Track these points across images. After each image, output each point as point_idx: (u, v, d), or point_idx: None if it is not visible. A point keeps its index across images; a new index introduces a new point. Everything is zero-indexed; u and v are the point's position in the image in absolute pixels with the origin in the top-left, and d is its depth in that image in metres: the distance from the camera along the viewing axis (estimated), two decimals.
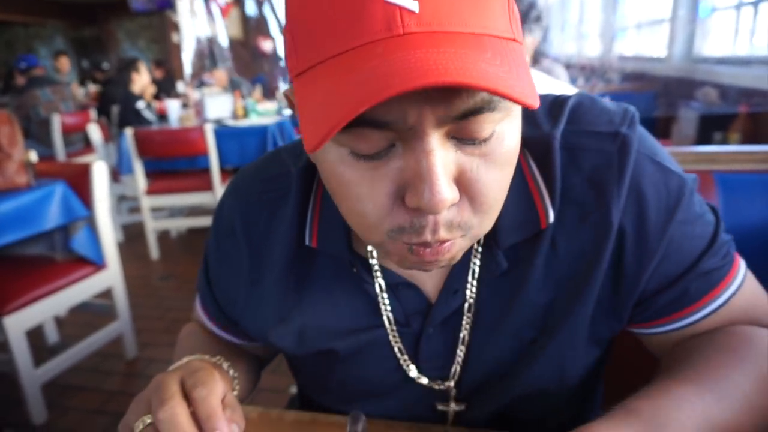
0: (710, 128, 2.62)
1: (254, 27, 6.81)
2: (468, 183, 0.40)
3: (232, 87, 5.19)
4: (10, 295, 1.82)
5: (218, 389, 0.49)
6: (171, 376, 0.50)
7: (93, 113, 4.86)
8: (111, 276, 2.18)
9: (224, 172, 3.52)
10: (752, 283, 0.58)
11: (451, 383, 0.60)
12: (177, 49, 9.03)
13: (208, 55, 6.43)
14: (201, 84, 5.61)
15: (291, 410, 0.66)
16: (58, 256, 2.08)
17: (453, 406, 0.61)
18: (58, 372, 2.03)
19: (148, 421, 0.46)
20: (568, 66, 4.59)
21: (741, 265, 0.57)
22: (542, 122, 0.55)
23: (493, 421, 0.62)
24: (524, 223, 0.53)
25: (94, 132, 3.82)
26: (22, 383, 1.87)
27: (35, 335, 2.44)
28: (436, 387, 0.61)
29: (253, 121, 3.95)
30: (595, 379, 0.65)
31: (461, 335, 0.58)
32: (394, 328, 0.59)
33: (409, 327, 0.59)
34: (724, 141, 2.58)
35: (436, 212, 0.38)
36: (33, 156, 2.02)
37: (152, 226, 3.58)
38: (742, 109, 2.53)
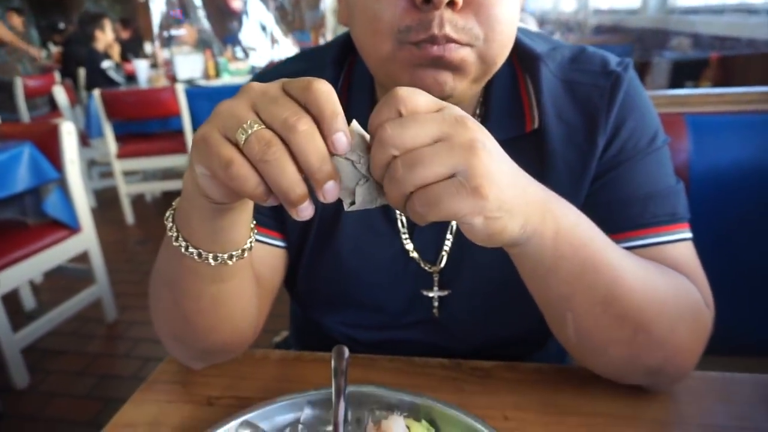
0: (682, 77, 2.67)
1: None
2: None
3: (203, 46, 5.02)
4: None
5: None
6: (269, 83, 0.38)
7: (57, 76, 4.67)
8: (86, 239, 2.15)
9: None
10: (691, 253, 0.59)
11: (437, 268, 0.65)
12: (143, 7, 8.66)
13: (178, 8, 6.17)
14: (170, 39, 5.40)
15: (276, 350, 0.67)
16: (30, 219, 2.04)
17: (437, 291, 0.65)
18: (38, 336, 2.02)
19: (257, 126, 0.35)
20: (544, 22, 4.56)
21: (685, 232, 0.58)
22: (539, 44, 0.63)
23: (474, 312, 0.67)
24: (511, 121, 0.60)
25: (60, 94, 3.69)
26: (2, 348, 1.86)
27: (12, 302, 2.41)
28: (425, 267, 0.65)
29: (226, 80, 3.86)
30: None
31: (451, 224, 0.63)
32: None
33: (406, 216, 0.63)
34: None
35: None
36: None
37: (126, 190, 3.51)
38: (713, 56, 2.56)
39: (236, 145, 0.36)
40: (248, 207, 0.47)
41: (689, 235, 0.59)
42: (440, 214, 0.36)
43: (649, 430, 0.52)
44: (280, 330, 1.06)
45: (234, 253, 0.48)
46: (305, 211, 0.36)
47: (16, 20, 6.21)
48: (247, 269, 0.55)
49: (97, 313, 2.35)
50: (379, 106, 0.37)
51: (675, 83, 2.75)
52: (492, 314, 0.66)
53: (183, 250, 0.47)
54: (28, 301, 2.48)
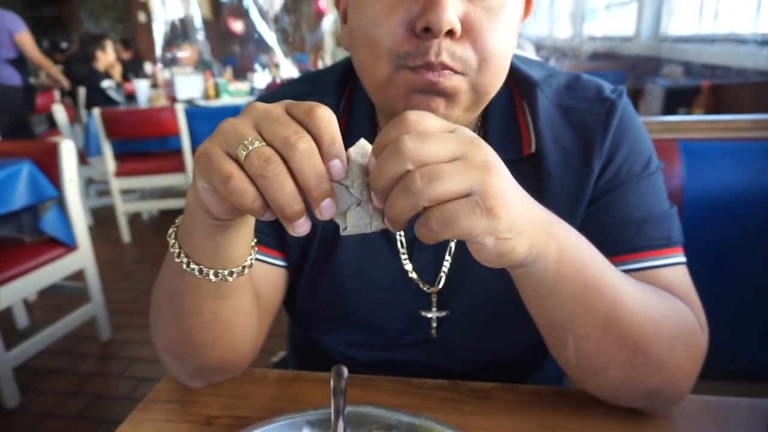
0: (675, 104, 2.72)
1: (225, 7, 6.66)
2: (470, 26, 0.49)
3: (203, 66, 5.09)
4: None
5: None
6: (273, 104, 0.40)
7: (57, 94, 4.70)
8: (82, 257, 2.14)
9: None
10: (685, 277, 0.59)
11: (435, 289, 0.65)
12: (144, 29, 8.76)
13: (179, 32, 6.29)
14: (173, 60, 5.50)
15: (275, 369, 0.67)
16: (27, 237, 2.03)
17: (435, 312, 0.66)
18: (31, 355, 2.00)
19: (257, 144, 0.37)
20: (539, 48, 4.66)
21: (679, 256, 0.59)
22: (536, 71, 0.64)
23: (473, 332, 0.67)
24: (509, 145, 0.61)
25: (59, 112, 3.70)
26: None
27: (4, 320, 2.39)
28: (423, 288, 0.65)
29: (225, 101, 3.89)
30: None
31: (449, 246, 0.64)
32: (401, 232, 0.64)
33: (406, 234, 0.65)
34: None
35: (440, 26, 0.46)
36: None
37: (123, 209, 3.51)
38: (705, 84, 2.62)
39: (237, 161, 0.37)
40: (249, 225, 0.48)
41: (683, 259, 0.60)
42: (454, 232, 0.37)
43: None
44: (277, 351, 1.06)
45: (234, 270, 0.49)
46: (301, 227, 0.37)
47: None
48: (248, 287, 0.55)
49: (91, 332, 2.34)
50: (389, 127, 0.38)
51: (668, 110, 2.81)
52: (490, 335, 0.67)
53: (184, 266, 0.48)
54: (21, 319, 2.46)
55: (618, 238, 0.58)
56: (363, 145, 0.40)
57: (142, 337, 2.38)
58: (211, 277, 0.48)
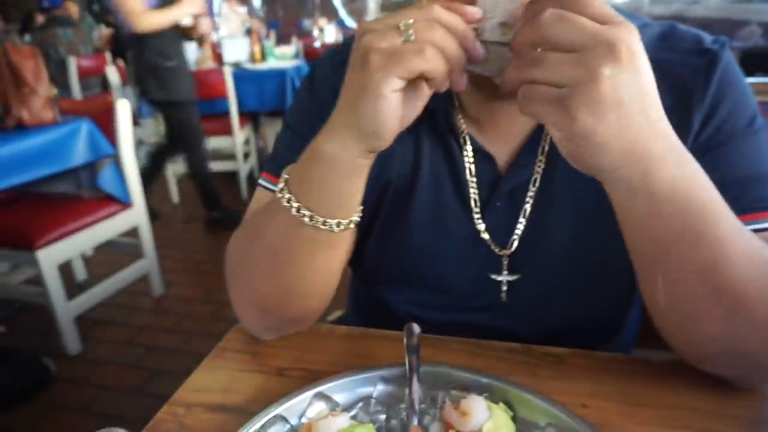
0: (752, 69, 2.55)
1: None
2: None
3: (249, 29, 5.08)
4: (41, 230, 1.86)
5: None
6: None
7: (108, 56, 4.80)
8: (137, 214, 2.21)
9: (243, 115, 3.49)
10: None
11: (507, 252, 0.63)
12: None
13: None
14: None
15: (341, 326, 0.67)
16: (85, 193, 2.11)
17: (506, 276, 0.64)
18: (90, 306, 2.09)
19: (404, 21, 0.42)
20: None
21: None
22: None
23: (546, 297, 0.65)
24: None
25: (113, 74, 3.78)
26: (57, 315, 1.94)
27: (64, 273, 2.51)
28: (494, 250, 0.63)
29: (271, 64, 3.89)
30: None
31: (524, 208, 0.62)
32: (474, 185, 0.63)
33: (480, 195, 0.63)
34: None
35: None
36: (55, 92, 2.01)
37: (172, 170, 3.59)
38: None
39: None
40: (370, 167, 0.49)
41: None
42: (527, 111, 0.41)
43: (735, 426, 0.49)
44: (332, 311, 1.06)
45: (353, 218, 0.51)
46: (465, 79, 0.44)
47: (73, 8, 6.36)
48: (353, 235, 0.59)
49: (144, 288, 2.42)
50: None
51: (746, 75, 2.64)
52: (562, 301, 0.64)
53: (307, 220, 0.49)
54: (80, 272, 2.57)
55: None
56: None
57: (193, 293, 2.46)
58: (334, 227, 0.50)
